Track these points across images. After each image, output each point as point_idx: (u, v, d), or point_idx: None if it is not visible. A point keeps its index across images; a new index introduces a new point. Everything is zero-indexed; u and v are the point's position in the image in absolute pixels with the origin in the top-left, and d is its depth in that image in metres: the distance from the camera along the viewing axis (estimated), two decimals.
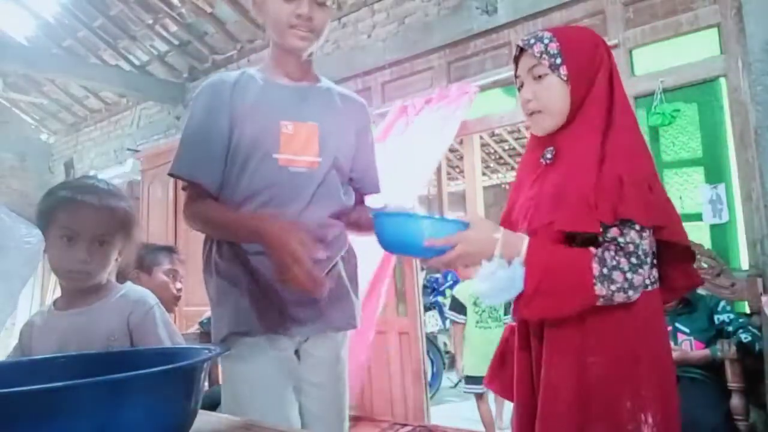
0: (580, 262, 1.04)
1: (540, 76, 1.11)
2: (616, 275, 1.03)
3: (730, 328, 2.35)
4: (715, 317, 2.41)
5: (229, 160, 1.28)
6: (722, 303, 2.43)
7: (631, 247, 1.04)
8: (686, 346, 2.38)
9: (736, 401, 2.13)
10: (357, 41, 4.15)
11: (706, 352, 2.32)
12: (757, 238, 2.57)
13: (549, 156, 1.14)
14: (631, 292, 1.04)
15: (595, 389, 1.05)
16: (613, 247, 1.05)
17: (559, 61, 1.10)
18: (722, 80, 2.74)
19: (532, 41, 1.12)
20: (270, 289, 1.25)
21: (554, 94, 1.10)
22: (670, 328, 2.43)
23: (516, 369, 1.21)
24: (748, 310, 2.51)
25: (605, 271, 1.03)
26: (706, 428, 2.07)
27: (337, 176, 1.34)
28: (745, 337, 2.28)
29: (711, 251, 2.62)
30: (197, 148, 1.28)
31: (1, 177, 6.87)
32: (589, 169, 1.05)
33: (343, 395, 1.39)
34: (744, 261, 2.67)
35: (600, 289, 1.02)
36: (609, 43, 2.93)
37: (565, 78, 1.10)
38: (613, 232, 1.05)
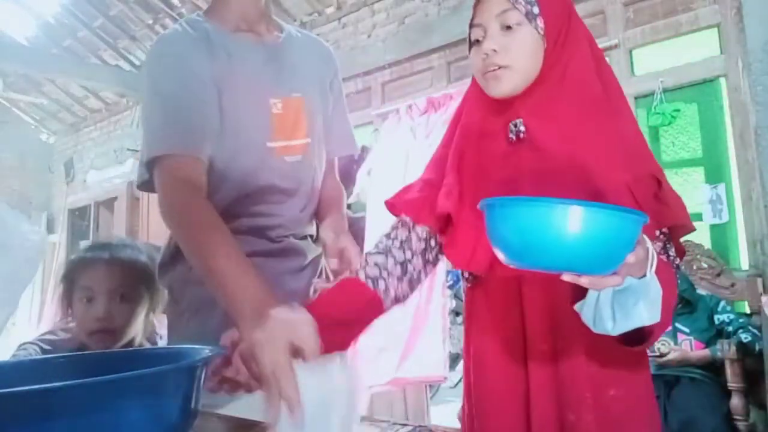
0: (671, 272, 0.81)
1: (510, 27, 0.85)
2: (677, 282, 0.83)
3: (730, 328, 2.35)
4: (715, 317, 2.41)
5: (219, 148, 1.02)
6: (722, 303, 2.44)
7: (677, 261, 0.85)
8: (686, 346, 2.38)
9: (736, 401, 2.13)
10: (357, 41, 4.15)
11: (706, 352, 2.32)
12: (757, 238, 2.57)
13: (521, 129, 0.86)
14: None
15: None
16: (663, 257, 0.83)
17: (536, 9, 0.85)
18: (722, 80, 2.74)
19: None
20: None
21: (527, 50, 0.85)
22: (669, 328, 2.43)
23: (499, 384, 0.89)
24: (748, 310, 2.51)
25: (677, 277, 0.84)
26: (706, 428, 2.07)
27: (324, 153, 1.15)
28: (745, 337, 2.28)
29: (711, 251, 2.62)
30: (184, 116, 0.98)
31: (1, 177, 6.87)
32: (615, 162, 0.81)
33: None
34: (744, 261, 2.67)
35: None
36: (609, 43, 2.99)
37: (542, 32, 0.85)
38: (657, 246, 0.81)
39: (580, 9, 3.31)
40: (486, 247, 0.80)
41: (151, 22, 5.23)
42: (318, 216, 1.15)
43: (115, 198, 5.97)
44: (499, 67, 0.85)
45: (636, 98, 2.92)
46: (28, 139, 7.30)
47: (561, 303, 0.78)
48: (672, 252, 0.83)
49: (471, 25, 0.90)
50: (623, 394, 0.83)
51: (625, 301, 0.67)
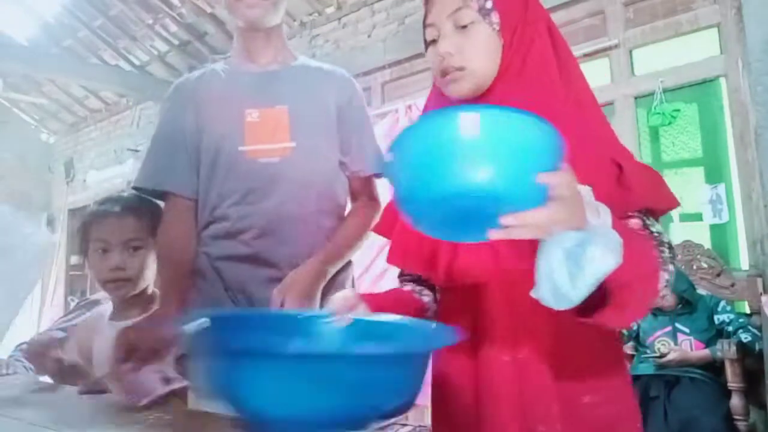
0: (644, 239, 0.76)
1: (465, 26, 0.81)
2: (667, 257, 0.77)
3: (730, 328, 2.35)
4: (715, 317, 2.41)
5: (201, 162, 1.19)
6: (722, 303, 2.44)
7: (665, 238, 0.80)
8: (686, 346, 2.38)
9: (736, 401, 2.13)
10: (357, 41, 4.15)
11: (706, 352, 2.32)
12: (757, 238, 2.57)
13: None
14: (669, 289, 0.78)
15: None
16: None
17: (489, 4, 0.82)
18: (722, 80, 2.74)
19: None
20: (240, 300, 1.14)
21: (484, 50, 0.82)
22: (669, 328, 2.43)
23: (462, 398, 0.86)
24: (748, 310, 2.51)
25: (662, 251, 0.77)
26: (706, 428, 2.07)
27: (320, 162, 1.19)
28: (745, 337, 2.28)
29: (711, 251, 2.62)
30: (162, 155, 1.21)
31: (1, 177, 6.86)
32: (569, 149, 0.72)
33: None
34: (744, 261, 2.67)
35: (662, 278, 0.74)
36: (609, 43, 2.99)
37: (497, 28, 0.82)
38: (634, 223, 0.79)
39: (579, 9, 3.30)
40: (440, 256, 0.81)
41: (151, 22, 5.22)
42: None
43: None
44: (457, 69, 0.82)
45: (636, 98, 2.93)
46: (28, 139, 7.30)
47: (523, 313, 0.77)
48: (656, 228, 0.79)
49: (424, 25, 0.86)
50: (600, 401, 0.80)
51: (576, 253, 0.60)
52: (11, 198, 6.41)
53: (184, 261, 1.19)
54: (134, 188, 1.24)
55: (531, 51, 0.83)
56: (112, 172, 6.06)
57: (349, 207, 1.28)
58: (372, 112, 3.87)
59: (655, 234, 0.78)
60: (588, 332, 0.78)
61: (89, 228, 1.28)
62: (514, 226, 0.59)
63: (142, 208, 1.29)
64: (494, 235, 0.60)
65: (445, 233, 0.66)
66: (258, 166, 1.14)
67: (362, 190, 1.25)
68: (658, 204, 0.81)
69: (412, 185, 0.61)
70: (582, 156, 0.74)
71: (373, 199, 1.27)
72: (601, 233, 0.62)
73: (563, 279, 0.62)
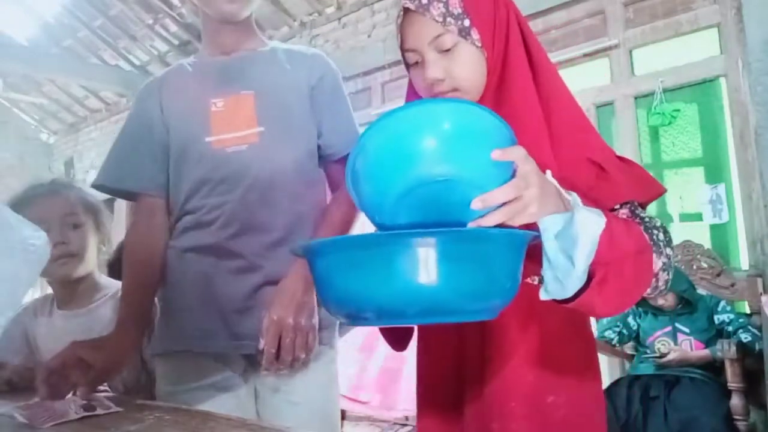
0: (628, 222, 0.76)
1: (449, 49, 0.81)
2: (661, 241, 0.77)
3: (730, 328, 2.35)
4: (715, 317, 2.41)
5: (170, 158, 1.16)
6: (722, 303, 2.44)
7: (657, 222, 0.80)
8: (686, 346, 2.38)
9: (736, 401, 2.13)
10: (357, 41, 4.15)
11: (706, 352, 2.32)
12: (757, 238, 2.57)
13: None
14: (670, 275, 0.77)
15: None
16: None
17: (467, 22, 0.80)
18: (722, 80, 2.74)
19: (425, 0, 0.80)
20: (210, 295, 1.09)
21: (471, 68, 0.82)
22: (669, 328, 2.43)
23: (436, 393, 0.90)
24: (748, 310, 2.51)
25: (654, 235, 0.76)
26: (706, 428, 2.07)
27: (291, 146, 1.14)
28: (745, 337, 2.28)
29: (711, 251, 2.62)
30: (125, 154, 1.18)
31: (1, 177, 6.87)
32: (543, 150, 0.79)
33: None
34: (744, 261, 2.67)
35: (656, 262, 0.74)
36: (609, 43, 2.99)
37: (479, 44, 0.81)
38: (622, 213, 0.81)
39: (580, 9, 3.30)
40: None
41: (151, 22, 5.23)
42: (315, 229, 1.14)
43: (115, 198, 5.96)
44: (450, 92, 0.82)
45: (636, 98, 2.93)
46: (28, 139, 7.30)
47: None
48: (645, 214, 0.80)
49: (403, 49, 0.85)
50: (563, 401, 0.81)
51: (566, 231, 0.64)
52: (11, 198, 6.41)
53: (152, 259, 1.14)
54: (93, 186, 1.20)
55: (507, 61, 0.83)
56: None
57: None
58: (372, 112, 3.88)
59: (646, 219, 0.79)
60: (560, 333, 0.83)
61: (27, 210, 1.22)
62: (489, 210, 0.62)
63: (67, 188, 1.31)
64: (473, 225, 0.62)
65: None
66: (226, 156, 1.10)
67: (340, 176, 1.16)
68: (642, 194, 0.81)
69: (374, 188, 0.66)
70: (556, 156, 0.78)
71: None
72: (579, 204, 0.65)
73: (563, 262, 0.64)
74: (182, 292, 1.12)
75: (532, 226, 0.66)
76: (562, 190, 0.68)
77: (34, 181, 1.34)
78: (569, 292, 0.65)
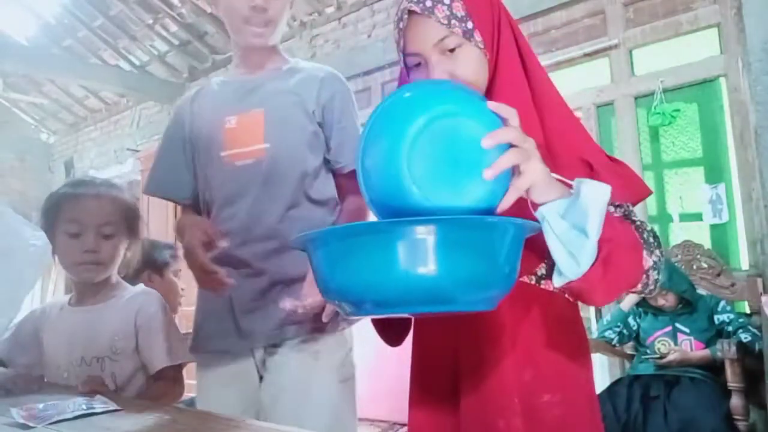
0: (622, 219, 0.79)
1: (452, 49, 0.81)
2: (651, 242, 0.78)
3: (730, 328, 2.35)
4: (715, 317, 2.41)
5: (196, 173, 1.29)
6: (722, 303, 2.44)
7: (647, 226, 0.81)
8: (686, 346, 2.38)
9: (736, 401, 2.13)
10: (357, 41, 4.15)
11: (706, 352, 2.32)
12: (757, 238, 2.57)
13: None
14: (659, 276, 0.79)
15: None
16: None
17: (470, 24, 0.81)
18: (722, 80, 2.74)
19: (429, 3, 0.80)
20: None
21: (474, 69, 0.83)
22: (669, 328, 2.44)
23: (431, 392, 0.91)
24: (748, 310, 2.51)
25: (644, 235, 0.78)
26: (706, 428, 2.07)
27: (295, 160, 1.21)
28: (745, 337, 2.28)
29: (711, 251, 2.62)
30: (162, 164, 1.32)
31: (1, 177, 6.87)
32: (543, 156, 0.77)
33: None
34: (744, 261, 2.67)
35: (647, 259, 0.76)
36: (609, 43, 2.99)
37: (482, 45, 0.82)
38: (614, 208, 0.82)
39: (579, 9, 3.30)
40: None
41: (151, 22, 5.23)
42: None
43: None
44: None
45: (636, 98, 2.93)
46: (28, 139, 7.30)
47: (488, 313, 0.77)
48: (637, 217, 0.81)
49: (404, 53, 0.85)
50: (558, 400, 0.83)
51: (574, 206, 0.67)
52: (11, 198, 6.41)
53: None
54: (145, 193, 1.36)
55: (501, 62, 0.84)
56: (112, 172, 6.05)
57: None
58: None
59: (637, 222, 0.80)
60: (555, 331, 0.84)
61: (61, 208, 1.24)
62: (500, 183, 0.66)
63: (118, 197, 1.30)
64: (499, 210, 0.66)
65: (440, 192, 0.67)
66: (236, 170, 1.20)
67: (348, 188, 1.25)
68: (630, 196, 0.83)
69: (387, 144, 0.67)
70: (550, 157, 0.80)
71: (359, 196, 1.24)
72: (581, 181, 0.67)
73: (575, 236, 0.66)
74: (207, 298, 1.24)
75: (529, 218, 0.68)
76: (561, 177, 0.70)
77: (84, 179, 1.35)
78: (584, 267, 0.67)
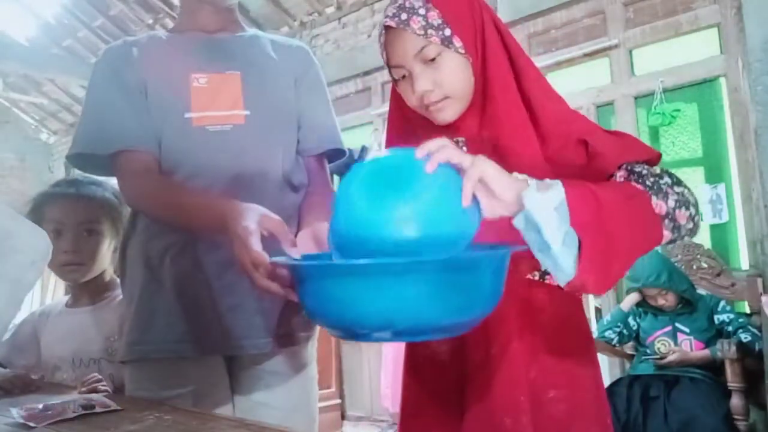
0: (613, 181, 0.79)
1: (433, 58, 0.82)
2: (666, 188, 0.76)
3: (730, 328, 2.35)
4: (715, 317, 2.41)
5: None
6: (722, 303, 2.44)
7: (657, 169, 0.80)
8: (686, 346, 2.38)
9: (736, 401, 2.13)
10: (357, 41, 4.15)
11: (706, 352, 2.32)
12: (757, 238, 2.57)
13: (464, 149, 0.87)
14: (693, 210, 0.76)
15: None
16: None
17: (448, 31, 0.82)
18: (722, 80, 2.74)
19: (404, 16, 0.82)
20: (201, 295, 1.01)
21: (458, 75, 0.84)
22: (669, 328, 2.43)
23: (435, 392, 0.91)
24: (748, 310, 2.51)
25: (649, 182, 0.77)
26: (706, 428, 2.07)
27: (276, 135, 1.09)
28: (745, 337, 2.28)
29: (711, 251, 2.62)
30: (99, 116, 1.07)
31: (1, 177, 6.87)
32: (528, 140, 0.84)
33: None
34: (744, 261, 2.67)
35: (660, 205, 0.74)
36: (609, 43, 2.99)
37: (463, 51, 0.83)
38: (619, 176, 0.81)
39: (579, 9, 3.29)
40: None
41: (151, 22, 5.23)
42: (298, 225, 1.06)
43: None
44: (441, 101, 0.84)
45: (636, 98, 2.93)
46: (28, 139, 7.30)
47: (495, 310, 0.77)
48: (643, 168, 0.80)
49: (389, 65, 0.87)
50: (564, 396, 0.83)
51: (528, 225, 0.68)
52: (11, 198, 6.41)
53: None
54: (68, 158, 1.08)
55: (487, 63, 0.85)
56: None
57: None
58: (372, 112, 3.89)
59: (643, 172, 0.79)
60: (560, 327, 0.85)
61: (42, 209, 1.25)
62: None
63: (97, 195, 1.29)
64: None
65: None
66: (207, 135, 1.04)
67: (316, 173, 1.15)
68: (633, 155, 0.82)
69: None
70: (538, 143, 0.83)
71: (326, 186, 1.16)
72: (531, 189, 0.68)
73: (545, 248, 0.67)
74: (160, 292, 1.03)
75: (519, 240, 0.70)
76: (523, 176, 0.71)
77: (65, 178, 1.33)
78: (570, 270, 0.67)
